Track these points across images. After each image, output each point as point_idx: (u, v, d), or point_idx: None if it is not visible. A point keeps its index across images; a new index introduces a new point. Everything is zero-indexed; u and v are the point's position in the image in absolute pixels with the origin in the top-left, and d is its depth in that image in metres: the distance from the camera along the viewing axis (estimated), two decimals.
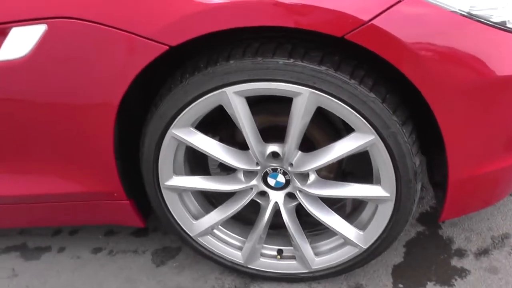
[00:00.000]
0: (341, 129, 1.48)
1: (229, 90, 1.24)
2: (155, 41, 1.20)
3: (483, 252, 1.62)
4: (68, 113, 1.36)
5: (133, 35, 1.21)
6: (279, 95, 1.25)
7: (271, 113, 1.45)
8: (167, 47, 1.20)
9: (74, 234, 1.99)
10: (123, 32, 1.21)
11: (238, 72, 1.22)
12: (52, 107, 1.36)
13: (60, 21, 1.23)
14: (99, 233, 1.96)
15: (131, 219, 1.62)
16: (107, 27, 1.21)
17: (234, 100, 1.26)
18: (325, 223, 1.45)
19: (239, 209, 1.47)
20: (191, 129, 1.35)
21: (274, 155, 1.38)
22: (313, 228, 1.59)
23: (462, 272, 1.57)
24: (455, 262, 1.61)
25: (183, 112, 1.31)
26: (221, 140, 1.46)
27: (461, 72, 1.16)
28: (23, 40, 1.26)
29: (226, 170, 1.53)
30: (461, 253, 1.63)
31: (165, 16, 1.17)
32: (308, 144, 1.44)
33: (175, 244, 1.85)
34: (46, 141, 1.42)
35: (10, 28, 1.26)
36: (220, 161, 1.40)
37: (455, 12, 1.12)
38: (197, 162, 1.56)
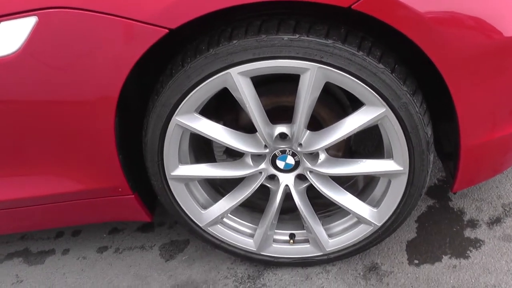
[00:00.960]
0: (347, 106, 1.45)
1: (234, 71, 1.20)
2: (153, 25, 1.15)
3: (496, 221, 1.61)
4: (65, 109, 1.30)
5: (130, 21, 1.16)
6: (286, 72, 1.21)
7: (275, 94, 1.42)
8: (167, 31, 1.15)
9: (77, 235, 1.94)
10: (118, 18, 1.16)
11: (242, 52, 1.18)
12: (48, 103, 1.30)
13: (51, 12, 1.18)
14: (103, 232, 1.92)
15: (138, 213, 1.57)
16: (101, 14, 1.16)
17: (240, 81, 1.22)
18: (338, 202, 1.42)
19: (249, 195, 1.44)
20: (196, 114, 1.31)
21: (282, 136, 1.35)
22: (324, 209, 1.56)
23: (476, 243, 1.55)
24: (468, 233, 1.59)
25: (186, 98, 1.26)
26: (225, 125, 1.42)
27: (470, 35, 1.14)
28: (13, 35, 1.21)
29: (232, 156, 1.50)
30: (473, 224, 1.62)
31: None
32: (315, 124, 1.41)
33: (182, 237, 1.81)
34: (44, 140, 1.37)
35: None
36: (227, 146, 1.36)
37: None
38: (202, 149, 1.52)
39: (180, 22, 1.14)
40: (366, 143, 1.54)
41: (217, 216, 1.48)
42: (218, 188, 1.59)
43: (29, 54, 1.22)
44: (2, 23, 1.21)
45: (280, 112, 1.38)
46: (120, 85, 1.23)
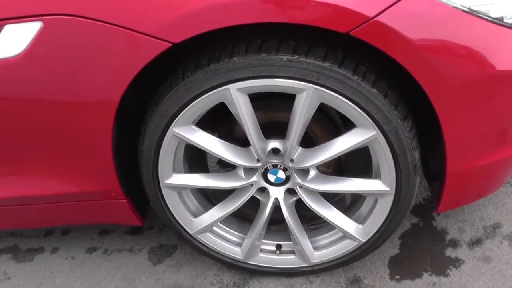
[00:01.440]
0: (340, 125, 1.50)
1: (233, 87, 1.24)
2: (157, 38, 1.19)
3: (476, 242, 1.66)
4: (66, 112, 1.33)
5: (134, 32, 1.19)
6: (283, 91, 1.25)
7: (270, 109, 1.46)
8: (170, 45, 1.19)
9: (67, 234, 1.96)
10: (123, 29, 1.19)
11: (242, 69, 1.21)
12: (49, 105, 1.33)
13: (56, 18, 1.21)
14: (93, 233, 1.94)
15: (129, 218, 1.60)
16: (106, 24, 1.19)
17: (237, 97, 1.25)
18: (325, 217, 1.46)
19: (240, 206, 1.47)
20: (192, 126, 1.34)
21: (275, 151, 1.39)
22: (311, 222, 1.61)
23: (456, 262, 1.61)
24: (449, 252, 1.64)
25: (184, 110, 1.30)
26: (219, 136, 1.45)
27: (461, 66, 1.18)
28: (17, 38, 1.24)
29: (225, 167, 1.53)
30: (455, 244, 1.67)
31: (168, 13, 1.16)
32: (307, 140, 1.45)
33: (171, 242, 1.85)
34: (43, 141, 1.40)
35: (2, 26, 1.23)
36: (221, 159, 1.39)
37: (457, 8, 1.13)
38: (196, 159, 1.55)
39: (183, 37, 1.18)
40: (356, 162, 1.58)
41: (207, 225, 1.52)
42: (210, 197, 1.62)
43: (32, 57, 1.25)
44: (8, 26, 1.23)
45: (273, 127, 1.42)
46: (121, 92, 1.27)
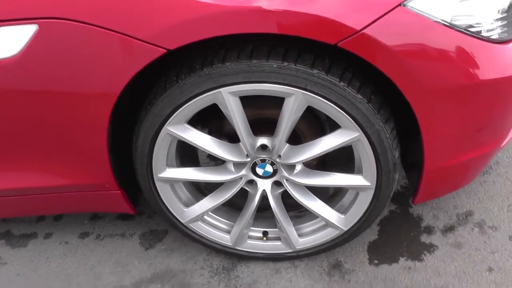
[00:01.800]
0: (324, 120, 1.57)
1: (225, 91, 1.30)
2: (153, 44, 1.23)
3: (449, 229, 1.78)
4: (63, 111, 1.38)
5: (130, 38, 1.23)
6: (272, 95, 1.31)
7: (258, 107, 1.52)
8: (165, 51, 1.23)
9: (59, 220, 2.02)
10: (119, 35, 1.23)
11: (234, 74, 1.27)
12: (46, 104, 1.37)
13: (52, 22, 1.24)
14: (84, 218, 2.01)
15: (122, 207, 1.68)
16: (102, 29, 1.23)
17: (229, 99, 1.32)
18: (309, 208, 1.56)
19: (229, 197, 1.56)
20: (185, 125, 1.40)
21: (263, 147, 1.46)
22: (296, 210, 1.70)
23: (430, 248, 1.73)
24: (424, 238, 1.76)
25: (178, 111, 1.36)
26: (210, 131, 1.52)
27: (440, 76, 1.26)
28: (13, 39, 1.27)
29: (215, 160, 1.60)
30: (429, 230, 1.79)
31: (165, 19, 1.20)
32: (294, 136, 1.52)
33: (161, 227, 1.93)
34: (42, 137, 1.45)
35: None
36: (213, 155, 1.46)
37: (438, 22, 1.20)
38: (187, 153, 1.62)
39: (179, 44, 1.22)
40: (339, 156, 1.67)
41: (199, 214, 1.60)
42: (201, 188, 1.70)
43: (28, 58, 1.29)
44: (4, 27, 1.26)
45: (260, 123, 1.49)
46: (117, 94, 1.31)
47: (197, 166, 1.62)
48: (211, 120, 1.57)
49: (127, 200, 1.64)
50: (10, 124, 1.42)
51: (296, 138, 1.55)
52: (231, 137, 1.53)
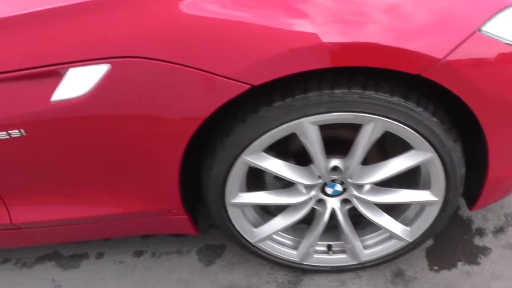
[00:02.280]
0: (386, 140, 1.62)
1: (306, 121, 1.33)
2: (237, 80, 1.25)
3: (500, 230, 1.86)
4: (136, 147, 1.40)
5: (213, 75, 1.25)
6: (351, 122, 1.35)
7: (328, 127, 1.55)
8: (249, 86, 1.26)
9: (109, 239, 2.02)
10: (200, 71, 1.24)
11: (316, 105, 1.31)
12: (119, 140, 1.39)
13: (125, 60, 1.24)
14: (136, 236, 2.02)
15: (187, 229, 1.71)
16: (181, 66, 1.24)
17: (309, 129, 1.35)
18: (377, 223, 1.61)
19: (300, 218, 1.60)
20: (262, 153, 1.44)
21: (335, 168, 1.51)
22: (357, 221, 1.75)
23: (484, 250, 1.80)
24: (477, 241, 1.84)
25: (256, 141, 1.39)
26: (277, 153, 1.55)
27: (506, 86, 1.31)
28: (83, 79, 1.27)
29: (281, 180, 1.64)
30: (481, 232, 1.86)
31: (251, 56, 1.21)
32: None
33: (218, 242, 1.96)
34: (117, 171, 1.48)
35: (67, 68, 1.26)
36: (287, 179, 1.50)
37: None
38: (254, 176, 1.65)
39: (264, 80, 1.25)
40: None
41: (268, 235, 1.65)
42: (267, 208, 1.74)
43: (98, 97, 1.29)
44: (74, 68, 1.27)
45: (331, 143, 1.52)
46: (193, 130, 1.33)
47: (263, 188, 1.66)
48: (279, 144, 1.60)
49: (192, 223, 1.68)
50: (87, 158, 1.44)
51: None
52: (296, 157, 1.57)
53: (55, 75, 1.28)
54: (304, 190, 1.57)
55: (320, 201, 1.62)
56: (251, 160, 1.43)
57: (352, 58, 1.21)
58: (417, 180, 1.58)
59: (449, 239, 1.85)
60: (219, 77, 1.25)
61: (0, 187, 1.57)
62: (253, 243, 1.68)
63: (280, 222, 1.63)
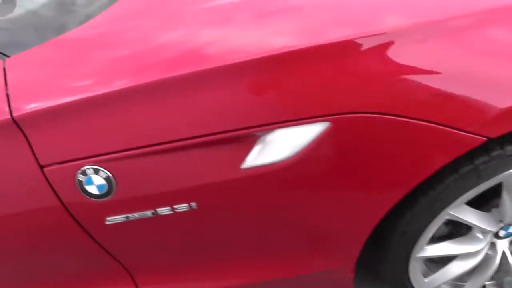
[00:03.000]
0: None
1: None
2: (473, 133, 1.16)
3: None
4: (339, 204, 1.26)
5: (448, 128, 1.14)
6: None
7: None
8: (485, 139, 1.17)
9: None
10: (434, 126, 1.14)
11: None
12: (319, 202, 1.25)
13: (349, 117, 1.11)
14: None
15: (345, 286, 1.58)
16: (408, 120, 1.13)
17: None
18: None
19: (476, 264, 1.53)
20: (464, 205, 1.36)
21: None
22: None
23: None
24: None
25: (465, 194, 1.30)
26: None
27: None
28: (289, 141, 1.12)
29: (451, 225, 1.56)
30: None
31: (493, 106, 1.13)
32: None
33: None
34: (299, 235, 1.34)
35: (273, 130, 1.10)
36: (477, 227, 1.43)
37: None
38: None
39: (503, 131, 1.16)
40: None
41: (440, 284, 1.57)
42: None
43: (306, 160, 1.14)
44: (282, 130, 1.11)
45: None
46: (410, 188, 1.23)
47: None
48: None
49: (353, 282, 1.56)
50: (269, 222, 1.29)
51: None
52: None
53: (251, 138, 1.11)
54: (481, 236, 1.50)
55: (491, 245, 1.56)
56: (454, 213, 1.34)
57: None
58: None
59: None
60: (455, 131, 1.15)
61: (134, 262, 1.35)
62: None
63: (454, 269, 1.55)
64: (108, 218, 1.18)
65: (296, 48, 1.07)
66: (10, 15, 1.24)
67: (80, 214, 1.18)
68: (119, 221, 1.18)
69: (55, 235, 1.24)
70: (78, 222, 1.20)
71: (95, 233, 1.23)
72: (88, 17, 1.27)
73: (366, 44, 1.07)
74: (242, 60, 1.05)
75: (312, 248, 1.39)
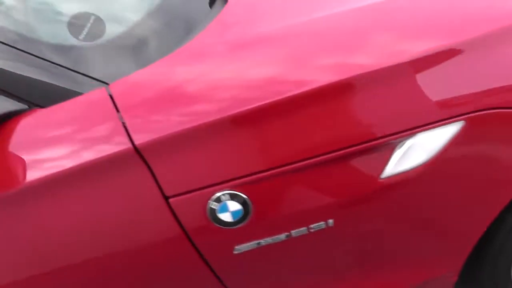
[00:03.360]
0: None
1: None
2: None
3: None
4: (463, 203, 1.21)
5: None
6: None
7: None
8: None
9: None
10: None
11: None
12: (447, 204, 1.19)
13: (482, 114, 1.07)
14: None
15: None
16: None
17: None
18: None
19: None
20: None
21: None
22: None
23: None
24: None
25: None
26: None
27: None
28: (425, 145, 1.08)
29: None
30: None
31: None
32: None
33: None
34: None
35: (413, 135, 1.06)
36: None
37: None
38: None
39: None
40: None
41: None
42: None
43: (442, 164, 1.09)
44: (420, 134, 1.07)
45: None
46: None
47: None
48: None
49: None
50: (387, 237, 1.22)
51: None
52: None
53: (389, 145, 1.06)
54: None
55: None
56: None
57: None
58: None
59: None
60: None
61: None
62: None
63: None
64: (237, 247, 1.09)
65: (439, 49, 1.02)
66: (103, 39, 1.13)
67: (205, 245, 1.08)
68: (248, 249, 1.09)
69: (173, 269, 1.13)
70: (201, 254, 1.10)
71: (216, 264, 1.13)
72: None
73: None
74: (393, 63, 0.99)
75: (437, 251, 1.32)
